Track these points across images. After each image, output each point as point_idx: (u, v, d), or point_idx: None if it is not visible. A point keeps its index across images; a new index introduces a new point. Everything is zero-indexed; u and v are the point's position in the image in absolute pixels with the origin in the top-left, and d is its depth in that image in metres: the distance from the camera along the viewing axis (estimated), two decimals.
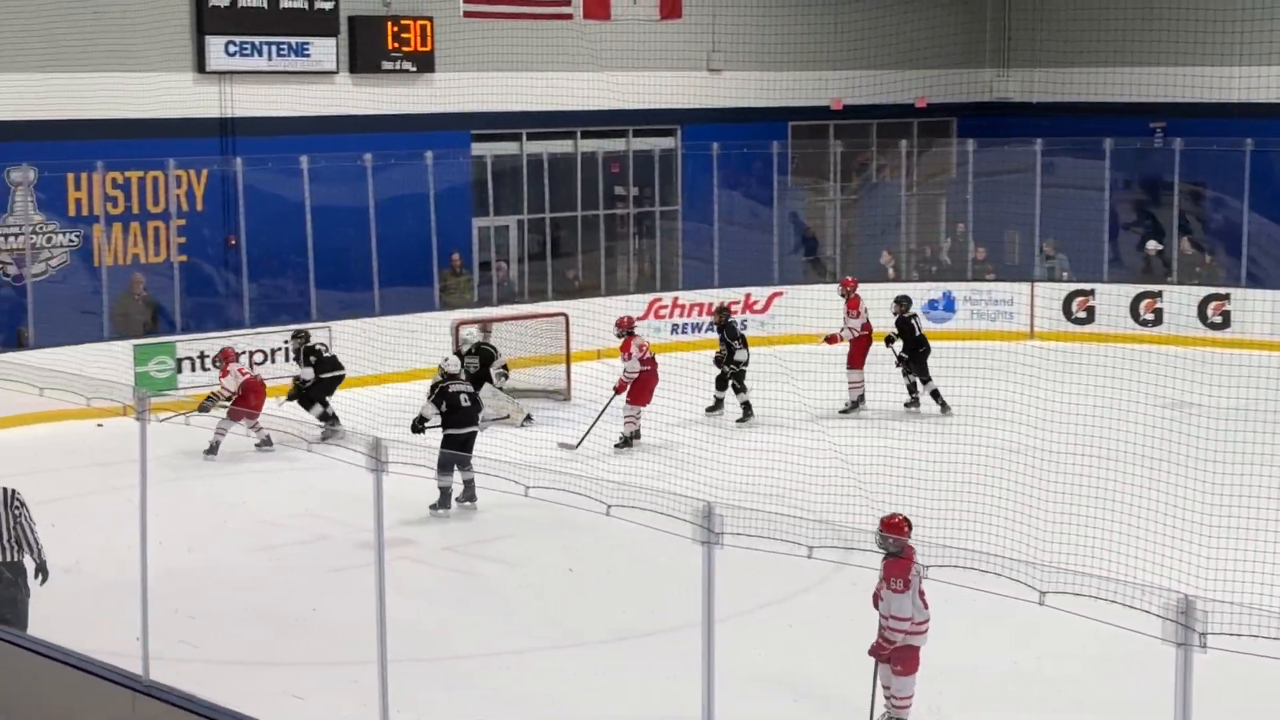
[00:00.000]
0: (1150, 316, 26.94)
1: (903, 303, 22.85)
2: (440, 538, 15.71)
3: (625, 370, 20.68)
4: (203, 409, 19.88)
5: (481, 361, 21.71)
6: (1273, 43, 27.86)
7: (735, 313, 23.81)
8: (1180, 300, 26.95)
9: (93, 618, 12.76)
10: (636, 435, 20.55)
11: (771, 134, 29.29)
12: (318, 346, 21.86)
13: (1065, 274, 28.37)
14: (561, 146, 28.55)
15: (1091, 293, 27.58)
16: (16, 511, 12.55)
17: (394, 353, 23.57)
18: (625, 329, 21.10)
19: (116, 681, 10.86)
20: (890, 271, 29.12)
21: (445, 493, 16.98)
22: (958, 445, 17.84)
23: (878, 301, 23.18)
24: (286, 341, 22.69)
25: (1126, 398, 19.57)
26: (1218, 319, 26.60)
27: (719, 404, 22.11)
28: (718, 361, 21.98)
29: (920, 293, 27.91)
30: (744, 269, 28.20)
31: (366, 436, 9.41)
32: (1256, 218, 27.48)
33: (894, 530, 10.40)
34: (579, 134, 28.54)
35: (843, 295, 23.52)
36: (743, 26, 29.10)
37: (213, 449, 19.92)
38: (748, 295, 27.59)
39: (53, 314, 23.44)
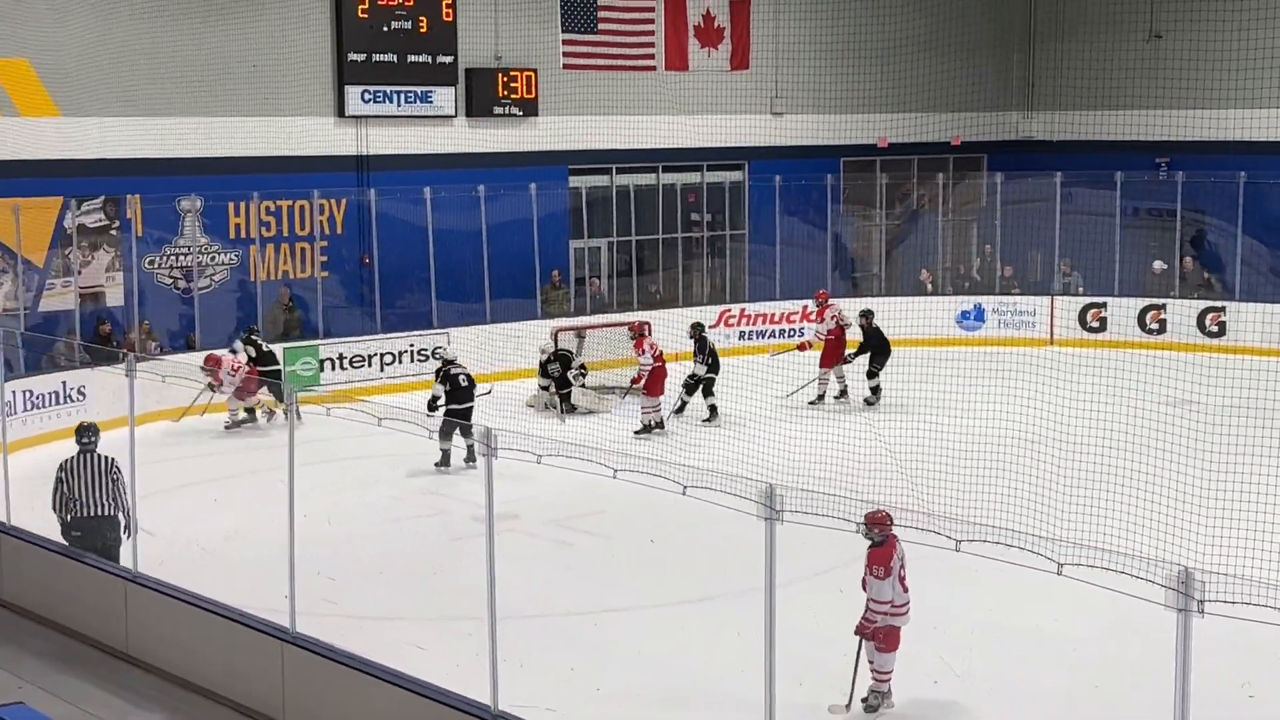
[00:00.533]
0: (1156, 326, 26.67)
1: (867, 315, 22.93)
2: (541, 513, 15.73)
3: (640, 365, 20.83)
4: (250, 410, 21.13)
5: (562, 366, 21.86)
6: (1263, 88, 27.60)
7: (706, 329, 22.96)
8: (1182, 312, 26.70)
9: (248, 578, 12.89)
10: (660, 425, 20.55)
11: (826, 168, 29.22)
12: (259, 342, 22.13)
13: (1080, 289, 28.13)
14: (645, 179, 28.58)
15: (1104, 305, 27.36)
16: (115, 476, 13.23)
17: (502, 355, 23.64)
18: (637, 332, 21.31)
19: (268, 632, 11.00)
20: (929, 287, 28.98)
21: (445, 454, 18.10)
22: (986, 435, 17.71)
23: (904, 313, 23.21)
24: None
25: (1134, 396, 19.37)
26: (1215, 328, 26.32)
27: (683, 406, 21.75)
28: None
29: (954, 305, 27.92)
30: (802, 284, 28.13)
31: (480, 426, 9.46)
32: (1248, 240, 27.20)
33: (877, 524, 10.21)
34: (660, 168, 28.57)
35: (816, 305, 23.71)
36: (801, 76, 29.07)
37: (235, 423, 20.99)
38: (805, 307, 27.50)
39: (215, 321, 23.71)
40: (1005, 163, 30.57)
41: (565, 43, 26.96)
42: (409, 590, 13.92)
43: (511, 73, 26.32)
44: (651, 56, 27.84)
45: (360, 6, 24.74)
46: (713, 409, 21.40)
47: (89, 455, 13.40)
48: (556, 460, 9.55)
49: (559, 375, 21.82)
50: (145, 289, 23.34)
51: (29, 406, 19.49)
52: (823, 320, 23.16)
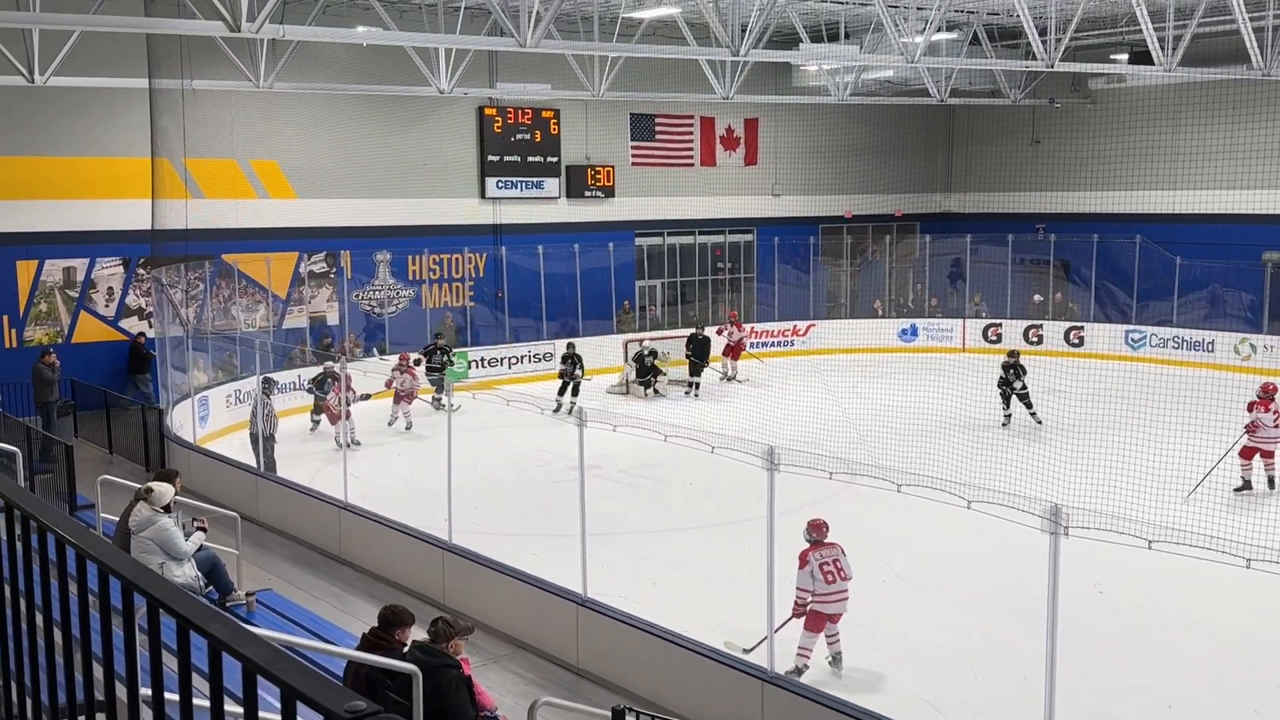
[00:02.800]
0: (1036, 339, 26.34)
1: (698, 324, 23.69)
2: (616, 464, 15.73)
3: (406, 383, 18.99)
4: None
5: (656, 369, 21.79)
6: (1110, 175, 27.35)
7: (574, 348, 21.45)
8: (1054, 329, 26.41)
9: (420, 506, 12.98)
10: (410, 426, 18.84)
11: (809, 232, 29.09)
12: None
13: (983, 313, 27.84)
14: (687, 240, 28.55)
15: (1000, 324, 27.04)
16: (269, 411, 15.21)
17: (590, 358, 23.65)
18: (404, 362, 19.30)
19: (433, 543, 11.11)
20: (879, 312, 28.76)
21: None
22: (918, 413, 17.59)
23: (862, 330, 22.96)
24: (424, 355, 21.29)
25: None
26: (1076, 341, 26.00)
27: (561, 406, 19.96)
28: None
29: (896, 325, 27.66)
30: (793, 310, 28.05)
31: (578, 405, 9.50)
32: (1100, 280, 26.87)
33: (813, 529, 9.33)
34: (697, 232, 28.53)
35: (730, 322, 24.33)
36: (793, 169, 28.97)
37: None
38: (794, 326, 27.40)
39: (399, 335, 23.91)
40: (932, 228, 30.37)
41: (633, 148, 26.98)
42: (526, 516, 13.99)
43: (597, 168, 26.37)
44: (691, 156, 27.83)
45: (495, 124, 24.88)
46: (575, 407, 20.00)
47: (265, 396, 15.26)
48: (626, 429, 9.57)
49: (637, 376, 21.62)
50: (353, 313, 23.59)
51: (276, 392, 19.68)
52: (740, 330, 23.99)
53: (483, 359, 23.67)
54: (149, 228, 18.99)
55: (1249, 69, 18.66)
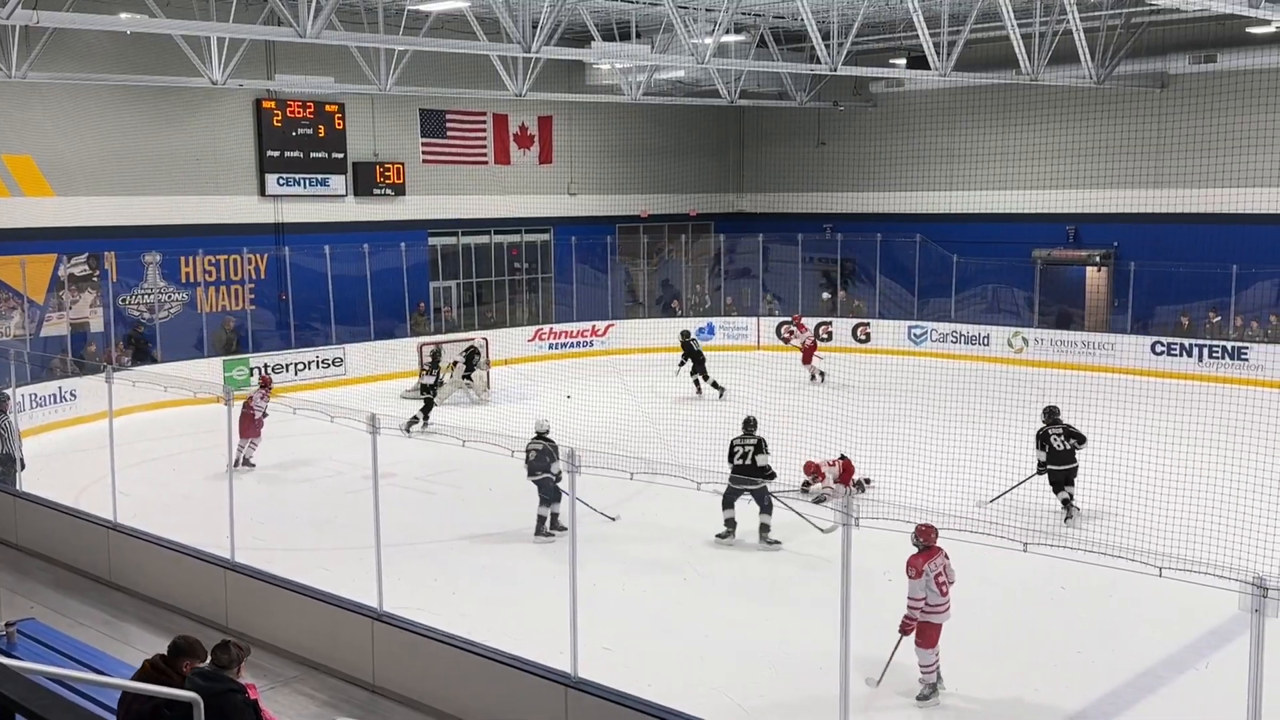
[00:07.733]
0: (825, 336, 27.38)
1: (685, 334, 22.48)
2: (410, 472, 15.50)
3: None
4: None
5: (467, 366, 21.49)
6: (893, 175, 28.76)
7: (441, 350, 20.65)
8: (842, 325, 27.56)
9: (198, 524, 12.41)
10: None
11: (605, 231, 29.41)
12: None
13: (776, 311, 28.77)
14: (482, 239, 28.31)
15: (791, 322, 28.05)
16: (4, 431, 13.83)
17: (382, 362, 23.24)
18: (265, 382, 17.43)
19: (214, 562, 10.65)
20: (677, 311, 29.32)
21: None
22: (712, 408, 18.00)
23: (660, 329, 23.38)
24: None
25: (813, 382, 19.92)
26: (863, 337, 27.24)
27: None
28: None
29: (695, 323, 28.16)
30: (591, 310, 28.27)
31: (367, 412, 9.28)
32: (883, 279, 28.19)
33: (921, 535, 8.46)
34: (493, 231, 28.36)
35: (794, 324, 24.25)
36: (589, 168, 29.22)
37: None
38: (593, 326, 27.62)
39: (172, 342, 22.73)
40: (726, 227, 31.21)
41: (424, 144, 26.57)
42: (317, 528, 13.59)
43: (386, 165, 25.82)
44: (485, 154, 27.65)
45: (275, 117, 24.01)
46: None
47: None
48: (422, 435, 9.43)
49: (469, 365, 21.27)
50: (120, 319, 22.28)
51: (34, 405, 18.49)
52: (804, 330, 24.21)
53: (266, 365, 22.80)
54: None
55: (1018, 74, 20.01)
